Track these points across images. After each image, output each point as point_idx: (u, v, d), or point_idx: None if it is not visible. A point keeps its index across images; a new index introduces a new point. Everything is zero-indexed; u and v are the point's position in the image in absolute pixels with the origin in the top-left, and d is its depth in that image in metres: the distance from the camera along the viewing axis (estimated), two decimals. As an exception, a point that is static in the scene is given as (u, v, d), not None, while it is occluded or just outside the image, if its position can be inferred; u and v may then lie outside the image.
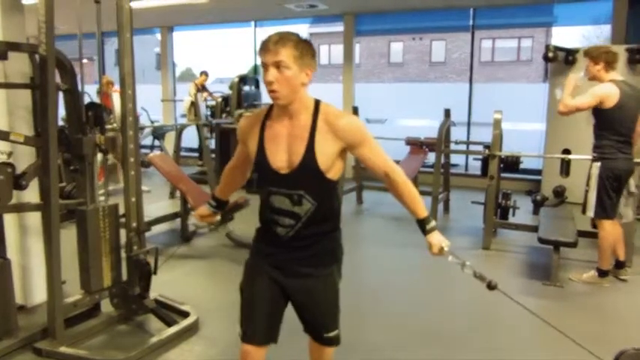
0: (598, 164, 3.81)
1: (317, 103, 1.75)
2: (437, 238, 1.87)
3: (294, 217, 1.76)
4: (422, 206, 1.88)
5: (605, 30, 7.80)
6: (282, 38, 1.65)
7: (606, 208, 3.83)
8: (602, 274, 3.93)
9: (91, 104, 3.14)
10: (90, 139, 3.05)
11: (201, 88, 9.46)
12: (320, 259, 1.85)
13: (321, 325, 1.92)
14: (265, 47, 1.65)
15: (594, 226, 4.43)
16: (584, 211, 3.97)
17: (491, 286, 1.91)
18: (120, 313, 3.22)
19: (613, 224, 3.90)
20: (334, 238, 1.88)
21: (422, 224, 1.87)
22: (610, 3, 6.98)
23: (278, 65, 1.64)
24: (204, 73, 9.74)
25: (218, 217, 2.20)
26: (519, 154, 5.10)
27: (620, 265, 4.07)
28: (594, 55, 3.82)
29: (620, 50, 6.26)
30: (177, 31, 10.43)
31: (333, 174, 1.76)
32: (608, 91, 3.71)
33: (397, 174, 1.82)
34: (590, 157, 4.01)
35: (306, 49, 1.68)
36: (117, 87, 6.86)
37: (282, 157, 1.73)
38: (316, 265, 1.84)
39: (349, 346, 2.88)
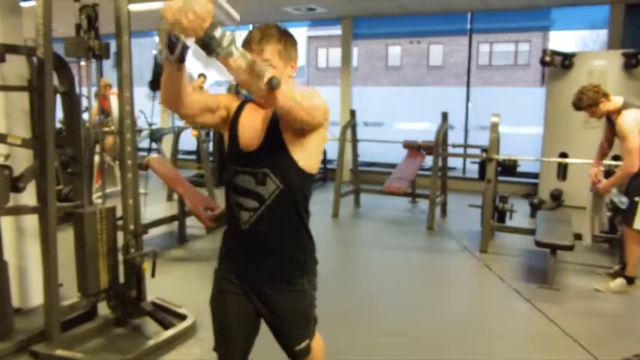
0: None
1: None
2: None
3: (257, 198, 1.68)
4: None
5: (602, 34, 7.84)
6: (265, 35, 1.62)
7: None
8: (630, 281, 3.89)
9: (85, 6, 2.95)
10: (82, 40, 2.89)
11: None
12: (288, 272, 1.76)
13: (291, 339, 1.85)
14: (248, 47, 1.61)
15: (613, 231, 4.38)
16: (630, 224, 3.73)
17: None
18: (117, 315, 3.21)
19: None
20: (304, 248, 1.77)
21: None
22: (607, 8, 7.02)
23: None
24: (203, 76, 9.73)
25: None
26: (516, 158, 5.12)
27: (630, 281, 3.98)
28: (590, 102, 3.74)
29: (617, 55, 6.33)
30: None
31: (301, 158, 1.66)
32: (634, 117, 3.61)
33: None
34: (588, 161, 4.02)
35: (289, 41, 1.66)
36: (115, 89, 6.86)
37: (251, 135, 1.68)
38: (285, 278, 1.76)
39: (343, 349, 2.88)
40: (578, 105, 3.84)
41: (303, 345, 1.85)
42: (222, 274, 1.84)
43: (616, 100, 3.75)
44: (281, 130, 1.64)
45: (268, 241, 1.72)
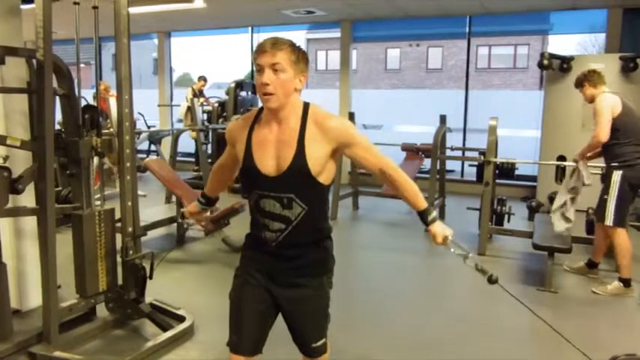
0: (620, 172, 3.84)
1: (306, 105, 1.74)
2: (440, 227, 1.83)
3: (284, 220, 1.74)
4: (421, 198, 1.84)
5: (600, 38, 7.87)
6: (279, 42, 1.66)
7: (624, 216, 3.93)
8: (626, 283, 3.93)
9: (88, 106, 3.14)
10: (86, 141, 3.04)
11: (199, 94, 9.48)
12: (310, 270, 1.83)
13: (309, 336, 1.89)
14: (262, 50, 1.65)
15: (590, 232, 4.48)
16: (602, 220, 3.93)
17: (492, 280, 1.86)
18: (115, 317, 3.22)
19: (625, 232, 3.93)
20: (325, 247, 1.86)
21: (423, 216, 1.83)
22: (604, 12, 7.05)
23: (274, 68, 1.64)
24: (203, 79, 9.75)
25: (207, 214, 2.26)
26: (514, 161, 5.13)
27: (593, 265, 4.29)
28: (576, 82, 4.11)
29: (614, 58, 6.35)
30: (174, 36, 10.46)
31: (324, 178, 1.74)
32: (611, 100, 3.86)
33: (392, 169, 1.81)
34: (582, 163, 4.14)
35: (301, 55, 1.70)
36: (113, 91, 6.88)
37: (270, 163, 1.71)
38: (307, 275, 1.82)
39: (341, 351, 2.89)
40: (575, 84, 4.16)
41: (320, 342, 1.90)
42: (245, 270, 1.88)
43: (600, 89, 3.97)
44: (307, 159, 1.68)
45: (293, 251, 1.79)
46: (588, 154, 4.09)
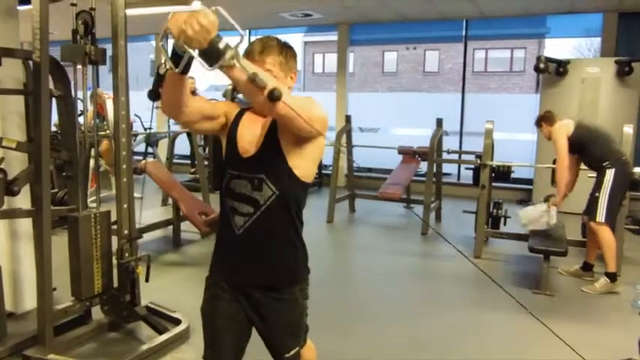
0: (612, 170, 4.00)
1: None
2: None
3: (253, 203, 1.67)
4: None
5: (596, 42, 7.91)
6: (266, 47, 1.65)
7: (614, 214, 4.06)
8: (612, 277, 3.99)
9: (82, 12, 2.91)
10: (79, 47, 2.85)
11: (192, 94, 9.47)
12: (280, 280, 1.75)
13: (281, 346, 1.83)
14: (251, 58, 1.63)
15: (585, 234, 4.51)
16: (594, 217, 4.04)
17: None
18: (111, 320, 3.21)
19: (609, 229, 4.05)
20: (295, 257, 1.77)
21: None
22: (600, 16, 7.09)
23: None
24: (191, 78, 9.74)
25: None
26: (510, 164, 5.15)
27: (588, 268, 4.33)
28: (535, 122, 4.56)
29: (610, 62, 6.38)
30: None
31: (300, 172, 1.68)
32: (562, 125, 4.26)
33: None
34: (581, 167, 4.21)
35: (289, 53, 1.70)
36: (110, 93, 6.85)
37: (250, 140, 1.69)
38: (276, 287, 1.74)
39: (337, 355, 2.89)
40: (535, 123, 4.60)
41: (292, 352, 1.84)
42: (214, 281, 1.84)
43: (556, 124, 4.31)
44: (279, 137, 1.64)
45: (261, 248, 1.71)
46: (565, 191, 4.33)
